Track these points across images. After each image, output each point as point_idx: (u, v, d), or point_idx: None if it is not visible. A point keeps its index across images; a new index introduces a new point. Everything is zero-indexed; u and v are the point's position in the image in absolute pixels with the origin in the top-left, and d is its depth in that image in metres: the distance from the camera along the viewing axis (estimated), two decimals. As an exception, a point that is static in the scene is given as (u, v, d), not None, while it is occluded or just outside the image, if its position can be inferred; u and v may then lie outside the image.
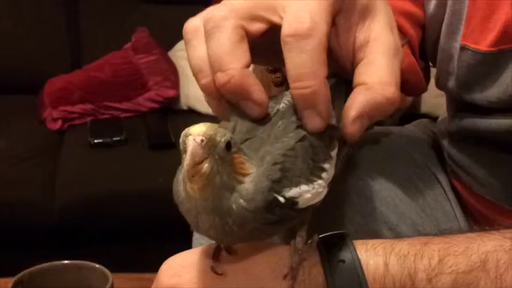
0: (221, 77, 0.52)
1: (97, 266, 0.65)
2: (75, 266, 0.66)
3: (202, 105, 2.11)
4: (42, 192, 1.89)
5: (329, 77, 0.55)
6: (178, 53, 2.36)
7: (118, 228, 1.89)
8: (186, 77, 2.26)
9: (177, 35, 2.81)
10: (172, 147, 1.96)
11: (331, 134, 0.54)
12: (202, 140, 0.46)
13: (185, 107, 2.22)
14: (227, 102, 0.54)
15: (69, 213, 1.86)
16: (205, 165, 0.47)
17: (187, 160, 0.46)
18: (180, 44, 2.39)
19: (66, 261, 0.66)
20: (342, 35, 0.56)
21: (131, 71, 2.26)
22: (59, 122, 2.15)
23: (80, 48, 2.46)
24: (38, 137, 2.12)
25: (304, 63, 0.51)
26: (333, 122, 0.55)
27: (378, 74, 0.54)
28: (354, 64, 0.56)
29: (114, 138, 2.04)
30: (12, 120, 2.18)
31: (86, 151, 2.03)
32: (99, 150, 2.03)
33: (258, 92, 0.52)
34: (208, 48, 0.53)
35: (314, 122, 0.52)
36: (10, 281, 0.63)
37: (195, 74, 0.55)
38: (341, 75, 0.59)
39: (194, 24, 0.55)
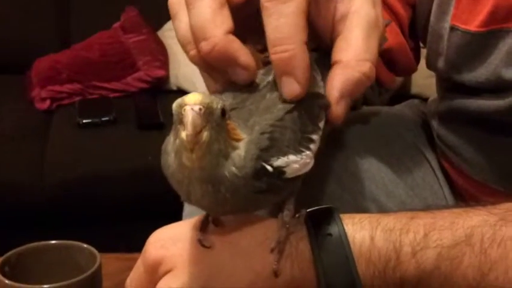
0: (205, 46, 0.52)
1: (85, 246, 0.65)
2: (64, 246, 0.66)
3: (191, 85, 2.10)
4: (31, 173, 1.89)
5: (313, 49, 0.56)
6: (167, 33, 2.35)
7: (107, 208, 1.89)
8: (176, 57, 2.25)
9: (166, 15, 2.77)
10: (161, 128, 1.96)
11: (319, 103, 0.54)
12: (200, 109, 0.46)
13: (174, 87, 2.21)
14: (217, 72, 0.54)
15: (58, 193, 1.86)
16: (205, 134, 0.46)
17: (188, 130, 0.46)
18: (170, 24, 2.37)
19: (54, 241, 0.66)
20: (322, 4, 0.55)
21: (120, 50, 2.24)
22: (47, 102, 2.14)
23: (68, 28, 2.44)
24: (26, 117, 2.11)
25: (282, 27, 0.50)
26: (322, 91, 0.55)
27: (354, 51, 0.54)
28: (332, 37, 0.56)
29: (103, 118, 2.03)
30: (0, 100, 2.17)
31: (74, 131, 2.02)
32: (88, 130, 2.02)
33: (243, 55, 0.52)
34: (190, 18, 0.53)
35: (292, 89, 0.51)
36: (-2, 260, 0.63)
37: (183, 47, 0.55)
38: (320, 48, 0.58)
39: None
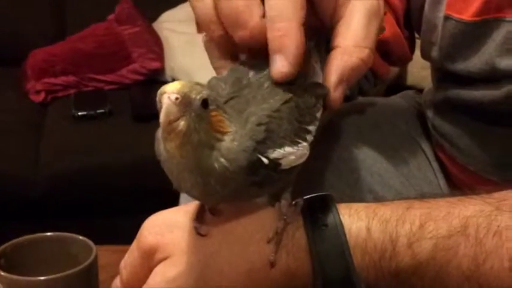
0: (242, 35, 0.52)
1: (81, 238, 0.65)
2: (59, 238, 0.66)
3: (187, 76, 2.10)
4: (26, 165, 1.89)
5: (312, 37, 0.56)
6: (162, 25, 2.34)
7: (102, 200, 1.89)
8: (171, 48, 2.25)
9: (161, 6, 2.78)
10: (156, 119, 1.95)
11: (317, 92, 0.54)
12: (176, 98, 0.46)
13: (170, 79, 2.21)
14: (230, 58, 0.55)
15: (53, 185, 1.86)
16: (181, 123, 0.46)
17: (161, 118, 0.46)
18: (165, 16, 2.37)
19: (49, 233, 0.66)
20: None
21: (115, 42, 2.24)
22: (42, 94, 2.13)
23: (63, 20, 2.44)
24: (21, 109, 2.10)
25: (279, 6, 0.51)
26: (320, 81, 0.55)
27: (353, 37, 0.55)
28: (333, 21, 0.56)
29: (98, 111, 2.03)
30: (-6, 93, 2.17)
31: (69, 123, 2.02)
32: (83, 123, 2.02)
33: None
34: (220, 4, 0.53)
35: (280, 67, 0.51)
36: (-7, 253, 0.63)
37: (204, 26, 0.55)
38: (320, 33, 0.58)
39: None
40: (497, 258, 0.52)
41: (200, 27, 0.55)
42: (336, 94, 0.55)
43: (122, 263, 0.59)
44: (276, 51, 0.51)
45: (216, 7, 0.53)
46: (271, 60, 0.52)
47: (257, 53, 0.54)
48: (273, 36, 0.51)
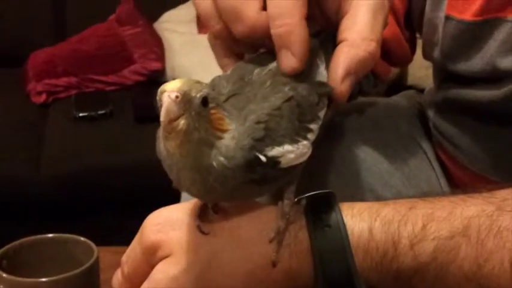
0: (240, 27, 0.53)
1: (82, 239, 0.65)
2: (61, 239, 0.66)
3: (188, 77, 2.10)
4: (28, 166, 1.89)
5: (315, 35, 0.56)
6: (163, 25, 2.34)
7: (104, 202, 1.89)
8: (172, 49, 2.25)
9: (162, 7, 2.77)
10: (157, 120, 1.95)
11: (320, 91, 0.54)
12: (177, 96, 0.46)
13: (171, 80, 2.19)
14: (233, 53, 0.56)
15: (55, 186, 1.86)
16: (182, 122, 0.46)
17: (162, 117, 0.46)
18: (165, 16, 2.37)
19: (51, 235, 0.66)
20: None
21: (116, 43, 2.24)
22: (44, 96, 2.14)
23: (64, 21, 2.44)
24: (22, 110, 2.11)
25: (281, 2, 0.51)
26: (324, 80, 0.55)
27: (359, 30, 0.55)
28: (339, 15, 0.56)
29: (99, 112, 2.03)
30: (-4, 94, 2.17)
31: (71, 124, 2.02)
32: (84, 124, 2.02)
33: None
34: None
35: (289, 62, 0.52)
36: (-5, 254, 0.63)
37: (204, 20, 0.55)
38: (327, 30, 0.58)
39: None
40: (498, 259, 0.52)
41: (202, 22, 0.56)
42: (342, 87, 0.54)
43: (124, 258, 0.59)
44: (282, 46, 0.52)
45: (215, 1, 0.54)
46: (278, 57, 0.53)
47: (257, 48, 0.54)
48: (278, 33, 0.52)
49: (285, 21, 0.51)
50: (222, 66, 0.58)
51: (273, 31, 0.52)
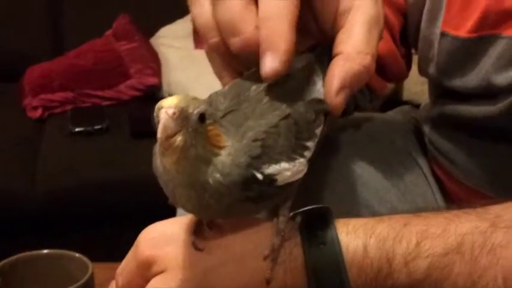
0: (237, 42, 0.52)
1: (77, 255, 0.65)
2: (56, 255, 0.66)
3: (183, 92, 2.10)
4: (23, 181, 1.88)
5: (311, 49, 0.57)
6: (160, 40, 2.35)
7: (99, 217, 1.89)
8: (168, 64, 2.25)
9: (158, 22, 2.78)
10: (154, 136, 1.95)
11: (317, 108, 0.54)
12: (174, 113, 0.46)
13: (167, 95, 2.20)
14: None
15: (51, 201, 1.85)
16: (179, 138, 0.46)
17: (159, 133, 0.46)
18: (162, 31, 2.37)
19: (46, 251, 0.66)
20: None
21: (112, 58, 2.24)
22: (39, 110, 2.13)
23: (61, 35, 2.44)
24: (18, 125, 2.10)
25: (271, 6, 0.51)
26: (321, 96, 0.55)
27: (355, 43, 0.54)
28: (335, 29, 0.56)
29: (96, 127, 2.03)
30: (-8, 109, 2.17)
31: (67, 139, 2.01)
32: (80, 139, 2.01)
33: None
34: (217, 10, 0.53)
35: (271, 64, 0.50)
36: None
37: (202, 34, 0.55)
38: (322, 44, 0.59)
39: None
40: (492, 276, 0.52)
41: (199, 36, 0.55)
42: (337, 100, 0.54)
43: (119, 270, 0.59)
44: (265, 49, 0.51)
45: (213, 14, 0.53)
46: (260, 59, 0.51)
47: (253, 65, 0.54)
48: (264, 35, 0.51)
49: (271, 23, 0.51)
50: (220, 79, 0.57)
51: (260, 33, 0.51)
